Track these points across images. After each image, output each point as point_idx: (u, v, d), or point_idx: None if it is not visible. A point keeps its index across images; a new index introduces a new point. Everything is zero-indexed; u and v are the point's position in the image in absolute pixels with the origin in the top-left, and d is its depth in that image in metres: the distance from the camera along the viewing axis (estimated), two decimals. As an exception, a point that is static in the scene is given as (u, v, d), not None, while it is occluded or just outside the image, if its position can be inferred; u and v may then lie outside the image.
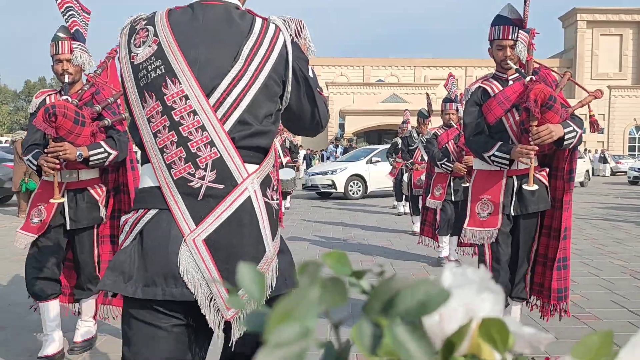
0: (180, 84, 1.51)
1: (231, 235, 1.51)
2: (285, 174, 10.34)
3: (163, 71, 1.53)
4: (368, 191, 15.40)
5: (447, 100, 6.25)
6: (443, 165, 5.90)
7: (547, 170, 3.42)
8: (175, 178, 1.51)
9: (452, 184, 6.07)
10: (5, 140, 23.53)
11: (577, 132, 3.13)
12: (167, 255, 1.47)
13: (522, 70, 3.32)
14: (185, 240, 1.48)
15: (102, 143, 3.25)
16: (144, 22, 1.61)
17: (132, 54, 1.58)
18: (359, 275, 0.49)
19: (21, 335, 3.83)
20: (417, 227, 8.36)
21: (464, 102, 3.55)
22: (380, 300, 0.33)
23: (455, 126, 6.01)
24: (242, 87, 1.54)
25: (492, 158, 3.27)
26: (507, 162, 3.25)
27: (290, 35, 1.65)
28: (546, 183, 3.36)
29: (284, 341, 0.27)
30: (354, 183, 15.35)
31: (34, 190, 12.47)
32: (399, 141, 10.38)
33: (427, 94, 8.39)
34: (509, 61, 3.31)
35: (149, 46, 1.56)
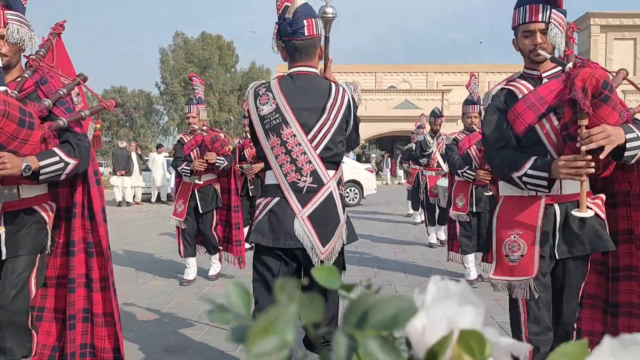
0: (290, 127, 2.53)
1: (322, 213, 2.55)
2: None
3: (280, 120, 2.54)
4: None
5: (468, 102, 5.66)
6: (464, 174, 5.37)
7: (603, 197, 2.49)
8: (289, 181, 2.54)
9: (474, 192, 5.49)
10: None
11: None
12: (286, 224, 2.51)
13: (563, 61, 2.46)
14: (297, 216, 2.51)
15: (57, 150, 2.42)
16: (264, 89, 2.61)
17: (259, 109, 2.58)
18: (349, 289, 0.53)
19: None
20: (433, 239, 8.09)
21: (484, 108, 2.77)
22: (356, 313, 0.36)
23: (478, 130, 5.43)
24: (326, 128, 2.57)
25: (525, 179, 2.36)
26: (546, 184, 2.33)
27: (350, 93, 2.69)
28: (603, 216, 2.45)
29: (264, 352, 0.31)
30: None
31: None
32: (414, 147, 9.94)
33: (443, 92, 8.27)
34: (540, 51, 2.46)
35: (270, 105, 2.56)
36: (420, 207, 10.36)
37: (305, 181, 2.56)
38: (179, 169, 5.75)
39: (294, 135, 2.54)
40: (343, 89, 2.67)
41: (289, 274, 2.62)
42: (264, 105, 2.58)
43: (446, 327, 0.49)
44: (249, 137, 7.81)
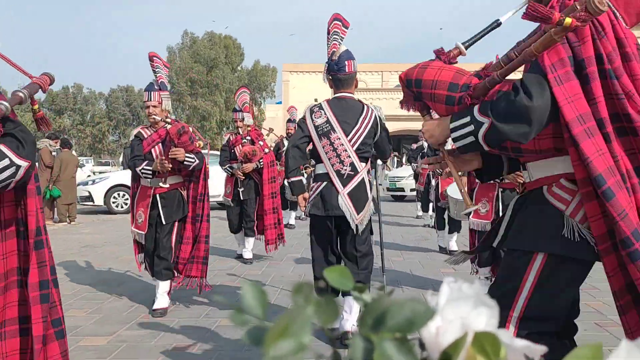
0: (336, 133, 3.74)
1: (357, 192, 3.73)
2: None
3: (329, 128, 3.75)
4: None
5: None
6: None
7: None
8: (334, 170, 3.73)
9: (501, 197, 4.65)
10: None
11: None
12: (333, 199, 3.71)
13: None
14: (340, 194, 3.71)
15: (4, 149, 1.80)
16: (317, 108, 3.83)
17: (314, 121, 3.78)
18: (361, 290, 0.53)
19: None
20: (442, 243, 7.68)
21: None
22: (372, 316, 0.36)
23: None
24: (359, 133, 3.78)
25: None
26: None
27: (377, 113, 3.91)
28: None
29: (281, 355, 0.30)
30: (118, 195, 13.36)
31: (57, 198, 11.97)
32: (425, 144, 9.48)
33: None
34: None
35: (322, 118, 3.77)
36: (430, 209, 9.87)
37: (346, 169, 3.76)
38: (138, 169, 4.61)
39: (339, 138, 3.76)
40: (372, 109, 3.93)
41: (334, 234, 3.86)
42: (317, 118, 3.81)
43: (460, 329, 0.49)
44: (240, 133, 6.93)
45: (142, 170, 4.59)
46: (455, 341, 0.47)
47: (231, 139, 7.04)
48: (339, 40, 3.91)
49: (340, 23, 3.96)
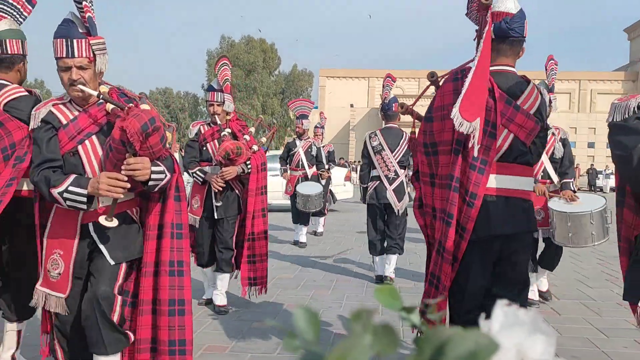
0: (385, 151, 5.88)
1: (398, 188, 5.85)
2: (307, 187, 8.23)
3: (381, 148, 5.89)
4: None
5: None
6: None
7: None
8: (384, 174, 5.86)
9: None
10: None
11: None
12: (383, 193, 5.85)
13: None
14: (387, 189, 5.83)
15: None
16: (373, 135, 6.01)
17: (371, 143, 5.93)
18: (409, 310, 0.51)
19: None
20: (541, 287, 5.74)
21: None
22: (430, 345, 0.34)
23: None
24: (400, 150, 5.88)
25: None
26: None
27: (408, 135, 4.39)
28: None
29: (337, 385, 0.29)
30: None
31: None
32: None
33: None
34: None
35: (377, 141, 5.92)
36: None
37: (391, 174, 5.78)
38: (55, 193, 2.36)
39: (387, 155, 5.80)
40: (407, 134, 5.25)
41: (383, 216, 5.88)
42: (373, 142, 5.89)
43: (515, 357, 0.47)
44: (218, 122, 4.70)
45: (66, 196, 2.36)
46: (510, 370, 0.45)
47: (202, 131, 4.74)
48: (389, 90, 6.10)
49: (390, 79, 6.22)
